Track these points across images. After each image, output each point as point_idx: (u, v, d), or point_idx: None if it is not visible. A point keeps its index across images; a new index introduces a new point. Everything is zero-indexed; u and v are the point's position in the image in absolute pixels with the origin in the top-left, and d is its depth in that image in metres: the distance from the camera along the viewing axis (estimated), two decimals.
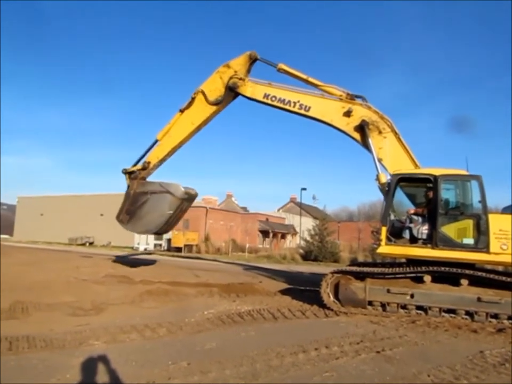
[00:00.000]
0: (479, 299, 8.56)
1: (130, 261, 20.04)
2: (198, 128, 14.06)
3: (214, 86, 13.43)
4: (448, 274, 8.93)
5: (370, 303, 9.38)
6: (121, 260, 19.61)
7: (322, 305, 9.71)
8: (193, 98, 13.56)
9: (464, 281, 8.81)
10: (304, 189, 49.03)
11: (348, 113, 11.66)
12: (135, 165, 14.36)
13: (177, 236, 41.02)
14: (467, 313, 8.71)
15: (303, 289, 12.84)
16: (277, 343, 6.60)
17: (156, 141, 14.12)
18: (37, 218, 54.80)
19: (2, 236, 54.88)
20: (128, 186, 14.23)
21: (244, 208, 66.93)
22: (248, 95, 13.10)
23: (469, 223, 9.13)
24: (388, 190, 10.09)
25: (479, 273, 8.75)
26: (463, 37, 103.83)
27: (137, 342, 6.56)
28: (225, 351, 6.12)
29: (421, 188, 11.05)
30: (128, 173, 14.29)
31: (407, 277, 9.35)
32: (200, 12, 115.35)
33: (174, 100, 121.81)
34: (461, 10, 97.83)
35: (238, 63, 13.27)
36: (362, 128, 11.35)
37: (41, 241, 48.01)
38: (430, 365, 5.69)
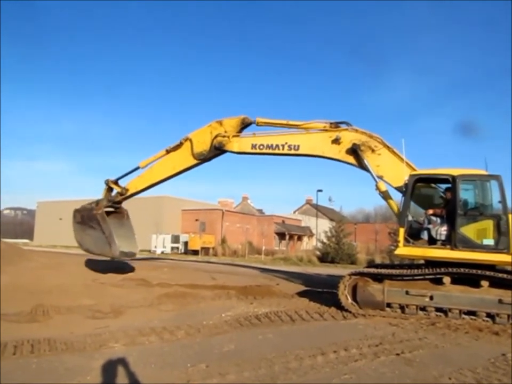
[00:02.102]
0: (500, 301, 8.41)
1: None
2: (178, 174, 14.24)
3: (202, 138, 13.47)
4: (468, 275, 8.79)
5: (388, 305, 9.29)
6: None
7: (340, 307, 9.65)
8: (181, 143, 13.66)
9: (485, 283, 8.66)
10: (320, 190, 48.84)
11: (337, 141, 11.66)
12: (116, 181, 14.49)
13: (194, 239, 41.29)
14: (488, 315, 8.56)
15: (321, 291, 12.78)
16: (295, 345, 6.58)
17: (137, 168, 14.26)
18: (56, 223, 55.47)
19: (23, 241, 55.77)
20: (99, 201, 14.25)
21: (260, 211, 66.95)
22: (235, 150, 13.15)
23: (488, 224, 8.98)
24: (405, 191, 9.99)
25: (500, 275, 8.59)
26: (474, 38, 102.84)
27: (156, 345, 6.60)
28: (243, 354, 6.12)
29: (428, 188, 10.96)
30: (108, 186, 14.42)
31: (426, 279, 9.23)
32: (210, 14, 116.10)
33: (188, 107, 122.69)
34: (473, 12, 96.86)
35: (230, 124, 13.28)
36: (355, 151, 11.34)
37: (60, 245, 48.64)
38: (451, 367, 5.61)
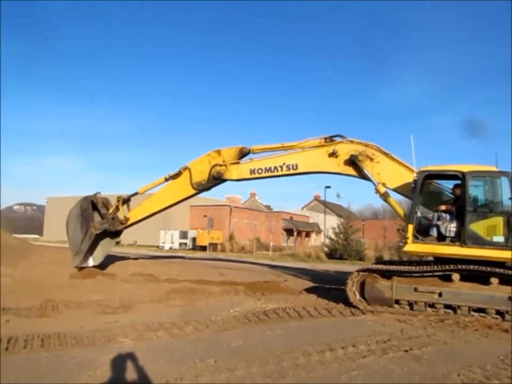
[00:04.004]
0: (510, 298, 8.33)
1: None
2: (178, 203, 14.41)
3: (201, 168, 13.52)
4: (477, 272, 8.73)
5: (397, 301, 9.26)
6: None
7: (348, 303, 9.64)
8: (180, 172, 13.69)
9: (494, 280, 8.60)
10: (328, 187, 48.62)
11: (334, 155, 11.70)
12: (128, 199, 14.68)
13: (202, 235, 41.34)
14: (498, 312, 8.50)
15: (329, 288, 12.76)
16: (303, 341, 6.59)
17: (136, 193, 14.44)
18: (65, 219, 55.83)
19: (32, 236, 56.19)
20: (105, 218, 14.19)
21: (268, 207, 66.92)
22: (234, 178, 13.20)
23: (498, 221, 8.90)
24: (414, 188, 9.92)
25: (510, 272, 8.50)
26: (485, 34, 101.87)
27: (165, 340, 6.64)
28: (251, 349, 6.14)
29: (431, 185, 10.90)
30: (117, 205, 14.52)
31: (434, 276, 9.18)
32: (216, 11, 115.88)
33: (195, 104, 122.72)
34: (483, 9, 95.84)
35: (228, 154, 13.33)
36: (353, 162, 11.38)
37: None
38: (460, 364, 5.59)
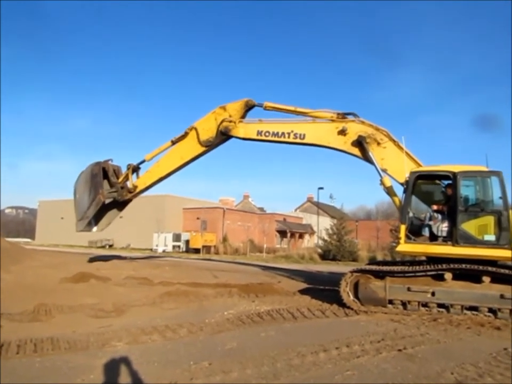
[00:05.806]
0: (502, 296, 8.41)
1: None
2: (186, 164, 14.31)
3: (207, 126, 13.54)
4: (469, 271, 8.80)
5: (390, 301, 9.30)
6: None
7: (342, 304, 9.67)
8: (186, 133, 13.68)
9: (486, 279, 8.67)
10: (321, 188, 48.92)
11: (343, 132, 11.69)
12: (137, 166, 14.60)
13: (195, 237, 41.25)
14: (490, 310, 8.57)
15: (323, 289, 12.79)
16: (297, 342, 6.59)
17: (143, 161, 14.37)
18: (57, 222, 55.45)
19: (24, 240, 55.78)
20: (114, 186, 14.37)
21: (261, 209, 66.92)
22: (241, 136, 13.19)
23: (489, 220, 8.99)
24: (406, 188, 9.99)
25: (502, 270, 8.59)
26: (487, 34, 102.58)
27: (159, 343, 6.61)
28: (245, 351, 6.13)
29: (433, 185, 10.96)
30: (127, 174, 14.55)
31: (427, 275, 9.24)
32: (219, 11, 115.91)
33: (197, 105, 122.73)
34: (484, 10, 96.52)
35: (234, 108, 13.34)
36: (360, 143, 11.38)
37: (62, 244, 48.67)
38: (453, 362, 5.63)
